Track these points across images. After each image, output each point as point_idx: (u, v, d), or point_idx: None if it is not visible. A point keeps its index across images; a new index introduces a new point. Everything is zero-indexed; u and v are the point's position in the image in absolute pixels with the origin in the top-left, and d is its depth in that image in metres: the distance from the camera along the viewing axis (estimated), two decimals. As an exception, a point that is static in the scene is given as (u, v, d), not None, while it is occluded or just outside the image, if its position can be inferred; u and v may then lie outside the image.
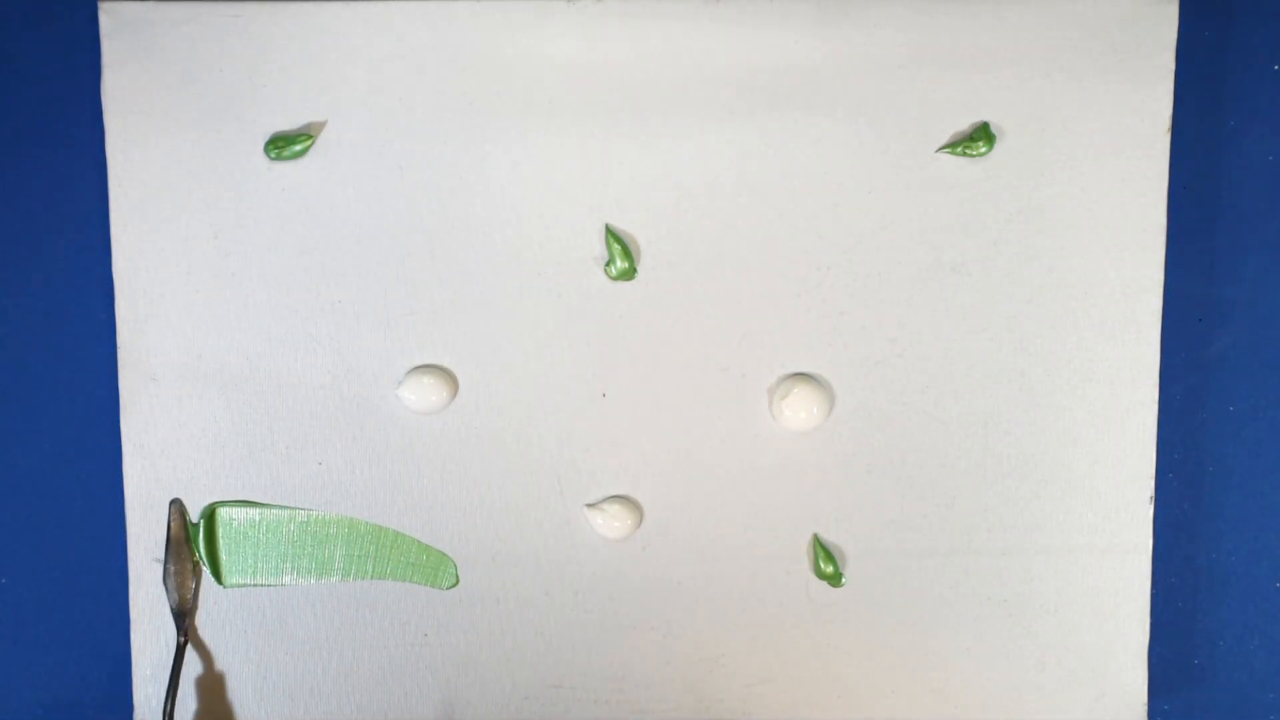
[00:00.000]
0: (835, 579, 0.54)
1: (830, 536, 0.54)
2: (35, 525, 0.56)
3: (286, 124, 0.53)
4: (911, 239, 0.53)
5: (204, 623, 0.53)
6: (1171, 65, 0.53)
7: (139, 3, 0.52)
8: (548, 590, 0.54)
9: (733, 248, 0.53)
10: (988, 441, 0.54)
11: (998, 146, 0.53)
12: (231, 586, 0.54)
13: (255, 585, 0.54)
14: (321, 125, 0.53)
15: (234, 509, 0.53)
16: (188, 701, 0.53)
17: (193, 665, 0.53)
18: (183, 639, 0.52)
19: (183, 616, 0.52)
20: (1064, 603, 0.54)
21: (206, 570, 0.53)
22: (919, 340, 0.54)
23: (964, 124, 0.53)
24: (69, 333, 0.55)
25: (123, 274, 0.53)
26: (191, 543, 0.52)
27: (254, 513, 0.53)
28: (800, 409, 0.53)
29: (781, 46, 0.53)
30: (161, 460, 0.53)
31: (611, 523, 0.53)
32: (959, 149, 0.53)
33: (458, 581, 0.54)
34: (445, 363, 0.53)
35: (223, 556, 0.53)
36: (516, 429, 0.54)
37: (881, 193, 0.53)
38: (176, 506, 0.52)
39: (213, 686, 0.53)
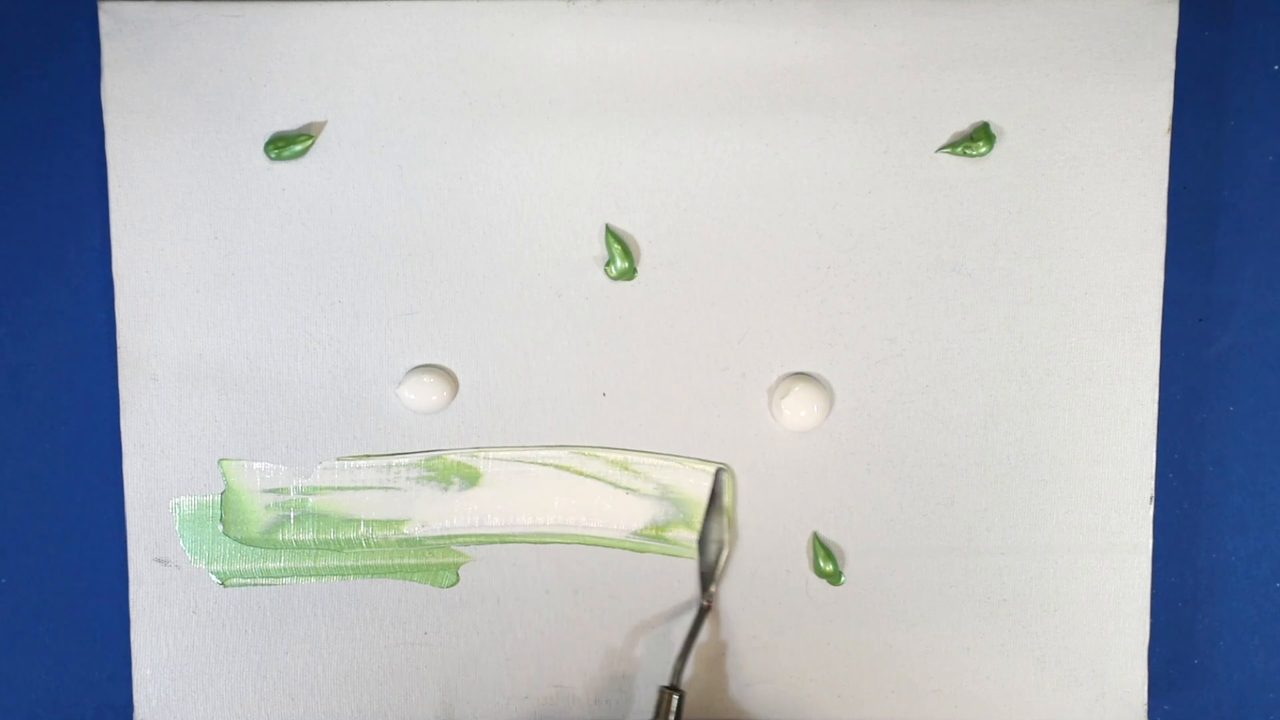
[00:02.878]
0: (835, 578, 0.54)
1: (830, 535, 0.54)
2: (35, 525, 0.56)
3: (286, 124, 0.53)
4: (911, 239, 0.53)
5: (204, 623, 0.53)
6: (1171, 65, 0.53)
7: (139, 3, 0.52)
8: (548, 590, 0.54)
9: (733, 248, 0.53)
10: (988, 441, 0.54)
11: (998, 146, 0.53)
12: (232, 586, 0.54)
13: (255, 584, 0.54)
14: (321, 125, 0.53)
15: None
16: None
17: (195, 663, 0.53)
18: (705, 604, 0.53)
19: (708, 581, 0.53)
20: (1064, 603, 0.54)
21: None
22: (919, 340, 0.54)
23: (964, 124, 0.53)
24: (69, 333, 0.55)
25: (123, 274, 0.53)
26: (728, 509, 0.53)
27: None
28: (800, 409, 0.53)
29: (781, 46, 0.53)
30: (161, 460, 0.53)
31: (612, 523, 0.53)
32: (959, 149, 0.53)
33: (458, 581, 0.54)
34: (445, 363, 0.54)
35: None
36: (516, 429, 0.54)
37: (881, 193, 0.53)
38: (724, 474, 0.53)
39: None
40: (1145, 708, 0.54)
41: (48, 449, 0.55)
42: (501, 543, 0.54)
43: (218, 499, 0.53)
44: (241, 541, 0.53)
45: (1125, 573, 0.54)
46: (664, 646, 0.54)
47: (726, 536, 0.53)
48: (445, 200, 0.53)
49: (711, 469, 0.53)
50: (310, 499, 0.54)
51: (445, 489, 0.53)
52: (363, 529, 0.54)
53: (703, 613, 0.52)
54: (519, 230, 0.53)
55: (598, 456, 0.54)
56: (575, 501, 0.54)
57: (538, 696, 0.54)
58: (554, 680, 0.54)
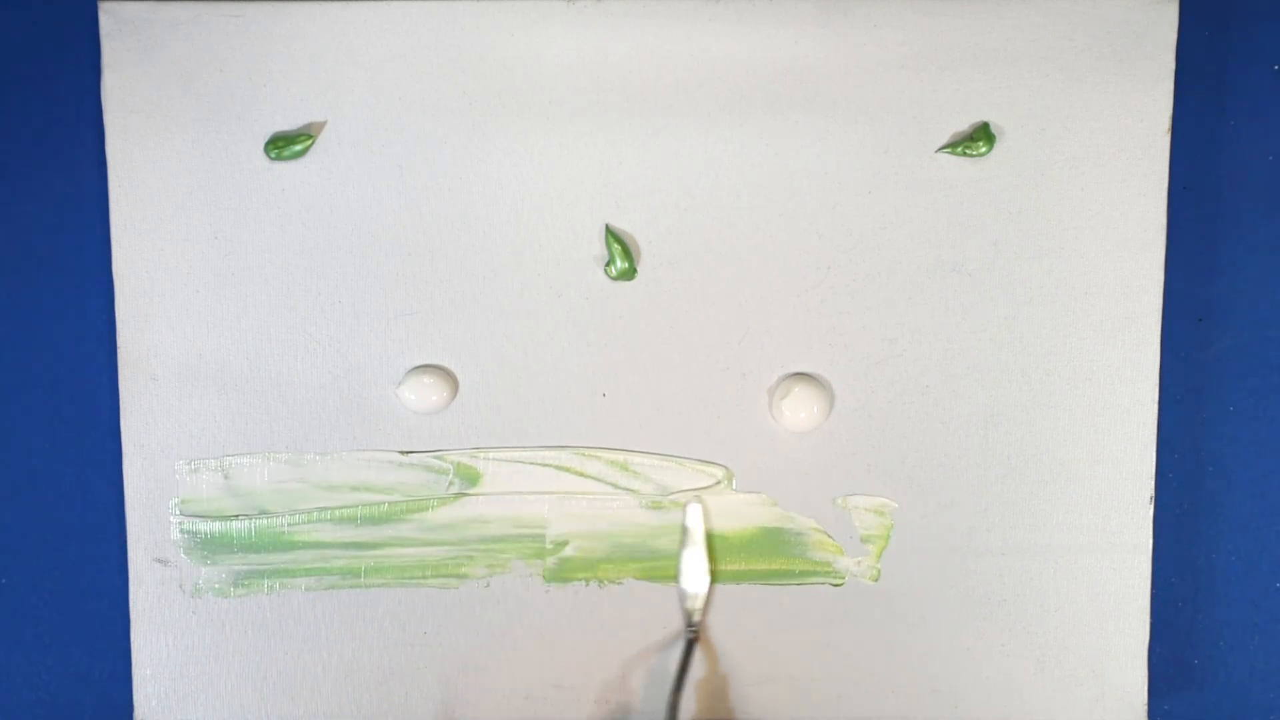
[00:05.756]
0: (836, 578, 0.54)
1: (830, 536, 0.54)
2: (35, 525, 0.56)
3: (286, 124, 0.53)
4: (911, 239, 0.53)
5: (204, 623, 0.53)
6: (1171, 65, 0.53)
7: (139, 3, 0.52)
8: (548, 590, 0.54)
9: (733, 248, 0.53)
10: (988, 441, 0.54)
11: (998, 146, 0.53)
12: (239, 594, 0.54)
13: (255, 585, 0.54)
14: (321, 125, 0.53)
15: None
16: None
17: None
18: (693, 636, 0.53)
19: (693, 615, 0.53)
20: (1064, 603, 0.54)
21: None
22: (919, 340, 0.54)
23: (964, 124, 0.53)
24: (69, 333, 0.55)
25: (123, 274, 0.53)
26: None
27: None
28: (800, 409, 0.53)
29: (781, 46, 0.53)
30: (161, 460, 0.53)
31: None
32: (959, 149, 0.53)
33: (458, 581, 0.54)
34: (445, 363, 0.54)
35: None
36: (516, 429, 0.54)
37: (881, 193, 0.53)
38: (696, 505, 0.53)
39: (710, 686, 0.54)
40: (1145, 708, 0.54)
41: (48, 449, 0.55)
42: (501, 543, 0.54)
43: (218, 499, 0.53)
44: (241, 541, 0.53)
45: (1125, 573, 0.54)
46: (662, 646, 0.54)
47: (708, 568, 0.53)
48: (445, 200, 0.53)
49: (716, 470, 0.53)
50: (310, 499, 0.54)
51: (445, 489, 0.53)
52: (363, 530, 0.54)
53: (691, 645, 0.52)
54: (519, 230, 0.53)
55: (598, 457, 0.54)
56: (575, 502, 0.54)
57: (538, 696, 0.54)
58: (554, 680, 0.54)
